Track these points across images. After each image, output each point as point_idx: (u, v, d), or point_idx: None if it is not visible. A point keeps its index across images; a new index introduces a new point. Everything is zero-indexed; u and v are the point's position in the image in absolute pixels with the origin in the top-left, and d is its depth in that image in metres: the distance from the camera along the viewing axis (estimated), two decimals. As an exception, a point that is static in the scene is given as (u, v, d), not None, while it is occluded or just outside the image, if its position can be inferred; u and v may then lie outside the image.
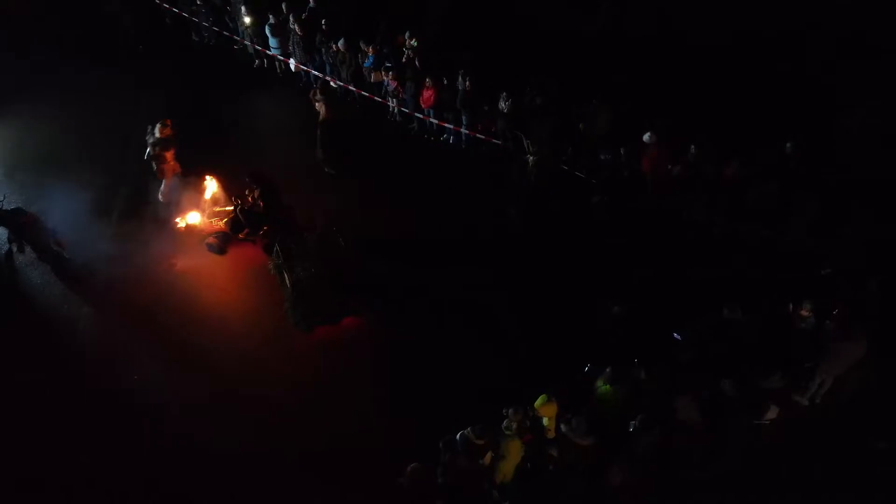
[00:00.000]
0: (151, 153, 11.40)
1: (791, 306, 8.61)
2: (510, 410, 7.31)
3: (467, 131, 13.07)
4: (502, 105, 12.15)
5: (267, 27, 14.68)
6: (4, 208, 11.04)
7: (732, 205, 10.79)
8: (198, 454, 8.47)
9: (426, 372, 9.25)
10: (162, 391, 9.23)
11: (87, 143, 13.61)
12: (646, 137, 11.26)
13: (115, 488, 8.15)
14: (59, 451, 8.56)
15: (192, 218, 11.54)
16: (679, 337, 8.61)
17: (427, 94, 12.91)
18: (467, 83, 12.37)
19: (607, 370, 7.84)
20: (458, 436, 7.25)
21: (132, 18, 16.42)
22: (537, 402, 7.43)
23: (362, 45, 13.60)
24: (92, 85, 15.07)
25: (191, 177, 11.71)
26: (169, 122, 11.57)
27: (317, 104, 12.26)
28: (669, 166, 11.21)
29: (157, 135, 11.45)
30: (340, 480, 8.04)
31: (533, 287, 10.45)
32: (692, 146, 10.89)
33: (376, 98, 14.10)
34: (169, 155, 11.47)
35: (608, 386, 7.80)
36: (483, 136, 12.93)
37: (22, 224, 10.89)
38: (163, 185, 11.66)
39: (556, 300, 10.19)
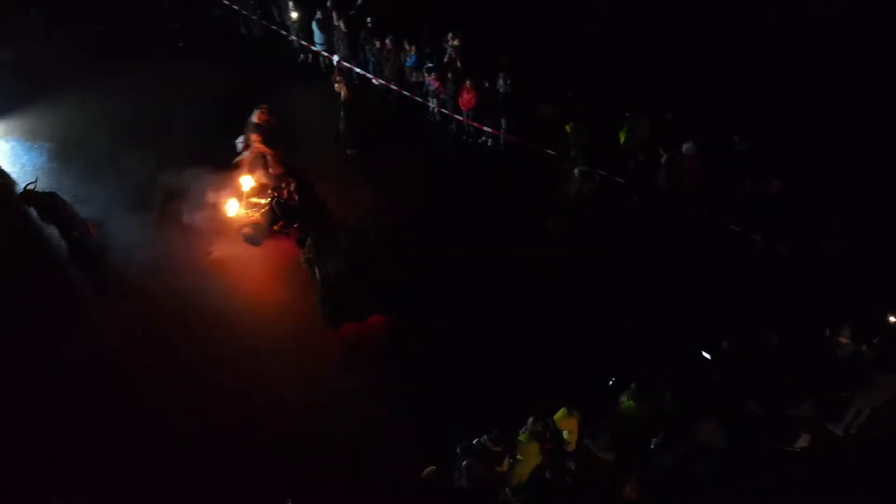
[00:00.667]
0: (244, 136, 11.88)
1: (828, 332, 8.32)
2: (530, 420, 7.26)
3: (505, 135, 12.96)
4: (541, 110, 12.01)
5: (313, 22, 14.84)
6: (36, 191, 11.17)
7: (771, 222, 10.47)
8: (215, 442, 8.63)
9: (448, 375, 9.22)
10: (187, 376, 9.42)
11: (135, 129, 13.98)
12: (685, 147, 11.02)
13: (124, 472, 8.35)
14: (85, 433, 8.81)
15: (230, 207, 11.73)
16: (708, 356, 8.40)
17: (467, 96, 12.86)
18: (508, 86, 12.29)
19: (632, 386, 7.71)
20: (474, 442, 7.22)
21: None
22: (557, 415, 7.35)
23: (405, 45, 13.62)
24: (143, 74, 15.45)
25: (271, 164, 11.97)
26: (265, 108, 12.09)
27: (336, 85, 12.75)
28: (708, 179, 10.92)
29: (255, 119, 11.95)
30: (355, 480, 8.07)
31: (562, 296, 10.34)
32: (734, 157, 10.64)
33: (416, 98, 14.11)
34: (256, 138, 11.85)
35: (631, 402, 7.67)
36: (521, 141, 12.80)
37: (49, 206, 10.94)
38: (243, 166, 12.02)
39: (585, 311, 10.07)
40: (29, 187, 10.95)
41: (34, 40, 16.30)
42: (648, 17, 14.27)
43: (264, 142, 11.87)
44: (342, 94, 12.82)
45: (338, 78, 13.14)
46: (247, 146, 11.94)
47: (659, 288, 10.32)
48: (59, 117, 14.44)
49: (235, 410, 8.98)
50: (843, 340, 8.19)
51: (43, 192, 11.07)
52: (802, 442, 8.14)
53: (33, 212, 11.24)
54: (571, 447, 7.51)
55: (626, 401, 7.72)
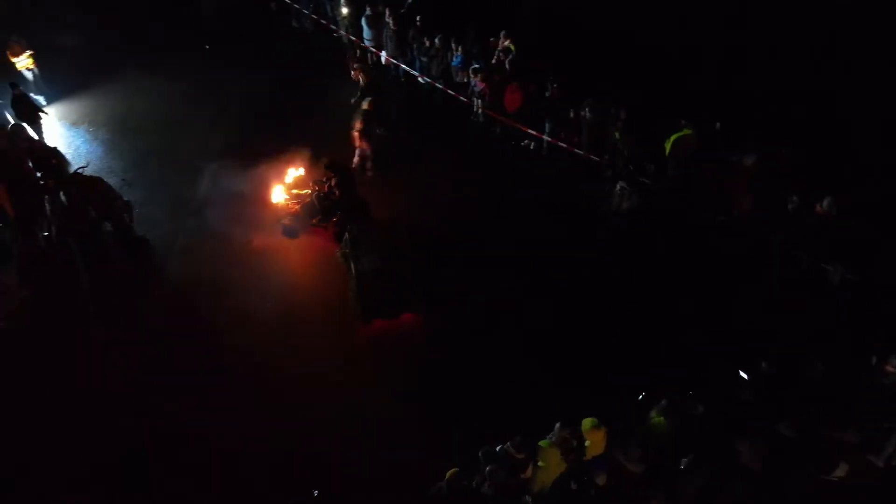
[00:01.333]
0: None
1: (875, 359, 7.99)
2: (557, 425, 7.18)
3: (549, 139, 12.84)
4: (586, 114, 11.86)
5: (363, 18, 14.96)
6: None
7: (819, 241, 10.13)
8: (239, 431, 8.69)
9: (476, 378, 9.14)
10: (217, 363, 9.56)
11: (185, 117, 14.38)
12: (745, 159, 10.72)
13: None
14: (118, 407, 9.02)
15: (275, 194, 11.90)
16: (745, 376, 8.15)
17: (512, 98, 12.78)
18: (554, 89, 12.17)
19: (662, 402, 7.53)
20: (497, 448, 7.15)
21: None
22: (585, 425, 7.22)
23: (452, 44, 13.62)
24: (195, 64, 15.92)
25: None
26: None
27: (353, 72, 13.05)
28: (756, 193, 10.63)
29: (365, 107, 12.32)
30: (375, 478, 8.05)
31: (598, 306, 10.15)
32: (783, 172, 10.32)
33: (461, 98, 14.09)
34: (358, 125, 12.20)
35: (661, 417, 7.49)
36: (565, 146, 12.66)
37: (94, 192, 10.98)
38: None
39: (620, 322, 9.89)
40: (79, 171, 11.20)
41: (93, 28, 16.83)
42: (708, 26, 13.95)
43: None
44: (361, 80, 13.08)
45: (354, 65, 13.28)
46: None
47: (697, 302, 10.08)
48: (113, 103, 14.85)
49: (261, 400, 9.07)
50: (891, 369, 7.85)
51: (91, 177, 11.29)
52: (840, 471, 7.83)
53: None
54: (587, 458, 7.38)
55: (655, 416, 7.55)
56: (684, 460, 7.02)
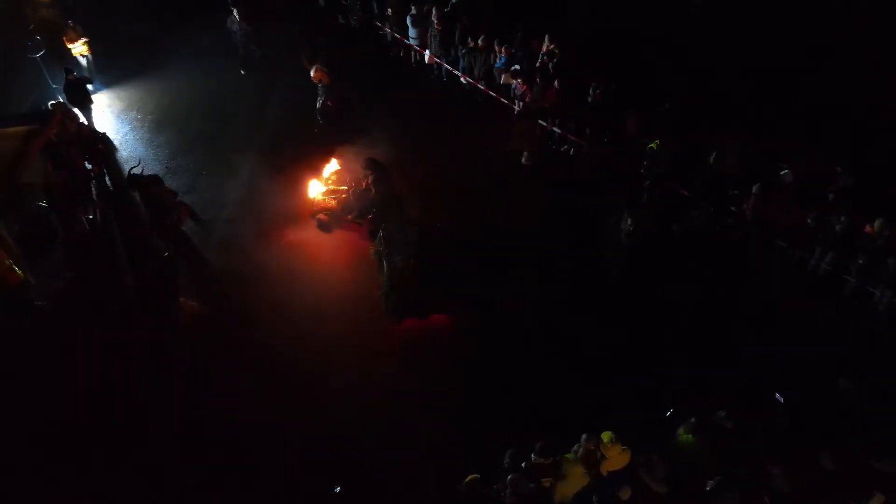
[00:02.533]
0: None
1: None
2: (584, 436, 7.08)
3: (588, 144, 12.65)
4: (628, 122, 11.67)
5: (408, 17, 14.98)
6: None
7: (867, 264, 9.78)
8: (261, 421, 8.83)
9: (503, 384, 9.10)
10: (245, 354, 9.69)
11: (229, 108, 14.63)
12: (782, 174, 10.42)
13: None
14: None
15: (312, 189, 12.01)
16: (781, 398, 7.90)
17: (553, 98, 12.63)
18: (596, 94, 11.99)
19: (692, 419, 7.35)
20: (523, 464, 7.08)
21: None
22: (605, 438, 7.09)
23: (496, 46, 13.53)
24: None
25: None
26: None
27: (314, 73, 13.10)
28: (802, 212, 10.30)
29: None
30: (396, 479, 8.06)
31: (633, 318, 9.96)
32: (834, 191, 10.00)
33: (503, 99, 14.00)
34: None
35: (689, 435, 7.31)
36: (604, 152, 12.46)
37: (154, 194, 10.81)
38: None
39: (655, 336, 9.70)
40: (134, 171, 10.91)
41: (149, 17, 17.19)
42: (766, 40, 13.59)
43: None
44: (322, 80, 13.13)
45: (315, 66, 13.20)
46: None
47: (735, 321, 9.84)
48: (161, 92, 15.18)
49: (285, 392, 9.16)
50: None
51: (147, 177, 11.08)
52: (875, 501, 7.53)
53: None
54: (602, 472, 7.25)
55: (683, 433, 7.37)
56: (711, 482, 6.83)
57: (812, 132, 11.63)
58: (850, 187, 10.19)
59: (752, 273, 10.59)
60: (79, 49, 14.80)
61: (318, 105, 13.46)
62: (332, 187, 11.91)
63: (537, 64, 13.20)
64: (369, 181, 11.10)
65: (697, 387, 8.64)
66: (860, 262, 9.83)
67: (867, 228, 9.71)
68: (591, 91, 12.09)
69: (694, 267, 10.64)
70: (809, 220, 10.27)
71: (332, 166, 12.00)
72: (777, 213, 10.64)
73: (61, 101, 12.45)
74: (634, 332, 9.77)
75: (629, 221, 10.51)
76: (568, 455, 7.09)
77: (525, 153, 12.93)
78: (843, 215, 9.79)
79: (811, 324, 9.68)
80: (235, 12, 14.76)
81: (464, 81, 14.65)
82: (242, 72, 15.63)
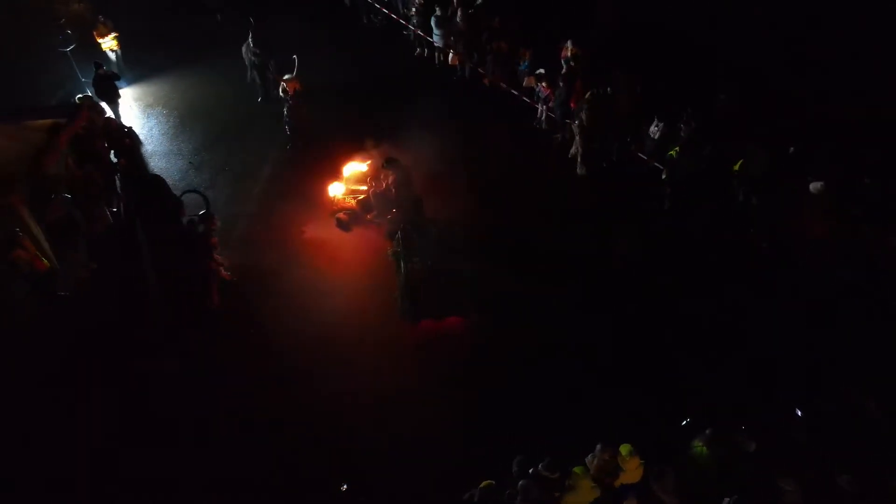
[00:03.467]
0: None
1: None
2: (599, 446, 7.01)
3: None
4: (653, 129, 11.54)
5: (433, 18, 14.97)
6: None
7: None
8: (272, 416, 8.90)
9: (517, 389, 9.06)
10: (259, 348, 9.80)
11: (254, 106, 14.80)
12: (813, 187, 10.22)
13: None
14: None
15: (333, 188, 12.06)
16: (800, 413, 7.77)
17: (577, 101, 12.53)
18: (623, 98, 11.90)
19: (707, 431, 7.24)
20: (530, 471, 7.05)
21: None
22: (623, 451, 7.02)
23: (521, 49, 13.48)
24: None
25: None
26: None
27: (286, 84, 12.97)
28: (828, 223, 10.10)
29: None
30: (404, 483, 8.07)
31: (653, 329, 9.84)
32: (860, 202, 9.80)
33: (526, 100, 13.94)
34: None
35: (704, 448, 7.21)
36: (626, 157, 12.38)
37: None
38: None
39: (674, 346, 9.57)
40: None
41: (173, 13, 17.43)
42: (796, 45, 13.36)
43: None
44: (295, 89, 13.03)
45: (286, 77, 13.17)
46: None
47: (756, 334, 9.66)
48: (187, 88, 15.40)
49: (299, 388, 9.23)
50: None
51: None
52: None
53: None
54: (617, 483, 7.18)
55: (698, 445, 7.27)
56: (727, 500, 6.73)
57: (841, 143, 11.41)
58: (878, 199, 9.97)
59: (775, 283, 10.40)
60: (108, 44, 15.06)
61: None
62: (352, 187, 11.95)
63: (563, 71, 13.08)
64: (389, 181, 11.12)
65: (714, 397, 8.51)
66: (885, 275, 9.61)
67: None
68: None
69: (715, 275, 10.50)
70: (834, 232, 10.05)
71: (353, 166, 12.04)
72: (803, 224, 10.45)
73: (89, 94, 12.62)
74: (652, 339, 9.67)
75: None
76: (577, 469, 7.03)
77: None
78: (869, 228, 9.57)
79: (834, 337, 9.49)
80: (251, 39, 14.29)
81: (487, 83, 14.62)
82: (260, 100, 14.95)
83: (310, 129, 13.39)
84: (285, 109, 13.14)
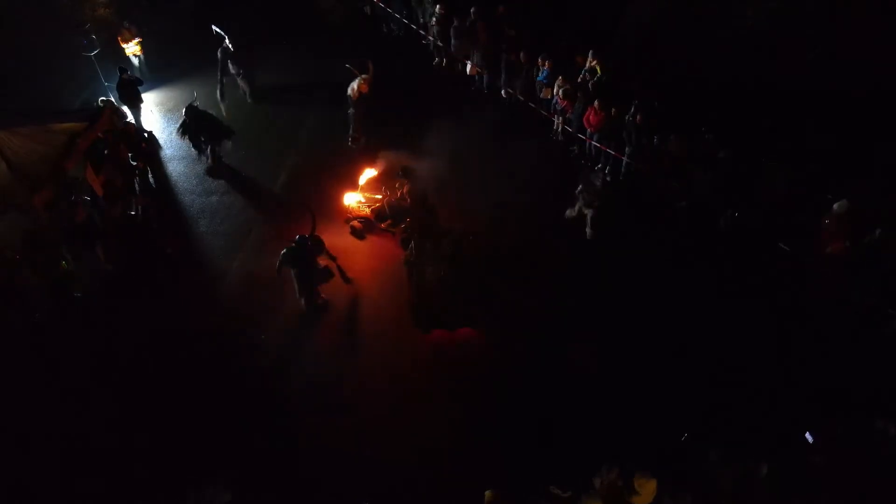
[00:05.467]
0: None
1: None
2: (604, 467, 6.93)
3: (626, 164, 12.49)
4: (668, 144, 11.47)
5: (452, 28, 15.00)
6: None
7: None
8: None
9: (526, 402, 9.03)
10: (270, 356, 9.91)
11: (271, 112, 14.89)
12: (837, 206, 10.07)
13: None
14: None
15: (348, 196, 12.10)
16: (811, 438, 7.63)
17: (594, 118, 12.49)
18: (638, 117, 11.81)
19: (715, 452, 7.13)
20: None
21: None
22: (637, 478, 6.89)
23: (539, 59, 13.46)
24: (282, 59, 16.40)
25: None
26: None
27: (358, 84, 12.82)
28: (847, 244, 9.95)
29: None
30: (412, 490, 8.07)
31: (666, 346, 9.69)
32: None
33: (543, 112, 13.92)
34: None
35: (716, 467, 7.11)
36: (643, 171, 12.28)
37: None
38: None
39: (687, 364, 9.43)
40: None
41: (187, 18, 17.49)
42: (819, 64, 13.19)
43: None
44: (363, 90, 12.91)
45: (359, 78, 13.03)
46: None
47: (773, 355, 9.54)
48: (207, 92, 15.41)
49: (307, 398, 9.33)
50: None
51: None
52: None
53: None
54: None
55: (710, 466, 7.16)
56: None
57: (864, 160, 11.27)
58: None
59: (792, 302, 10.26)
60: (132, 49, 15.25)
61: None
62: (367, 195, 12.00)
63: (578, 80, 13.07)
64: (404, 191, 11.15)
65: (726, 417, 8.40)
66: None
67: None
68: (631, 111, 11.88)
69: (732, 292, 10.39)
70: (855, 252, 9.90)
71: (369, 174, 12.09)
72: (826, 244, 10.31)
73: (110, 98, 12.80)
74: (668, 354, 9.56)
75: None
76: (589, 501, 6.95)
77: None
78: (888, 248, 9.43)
79: (851, 359, 9.33)
80: (227, 41, 14.01)
81: (504, 94, 14.62)
82: (222, 101, 14.47)
83: (370, 127, 13.48)
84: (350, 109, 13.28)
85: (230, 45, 13.97)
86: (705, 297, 10.31)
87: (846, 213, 9.84)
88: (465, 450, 8.50)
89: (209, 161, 13.16)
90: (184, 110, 12.80)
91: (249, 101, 15.04)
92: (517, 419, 8.83)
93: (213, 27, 14.32)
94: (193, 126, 12.75)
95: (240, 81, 14.77)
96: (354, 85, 12.97)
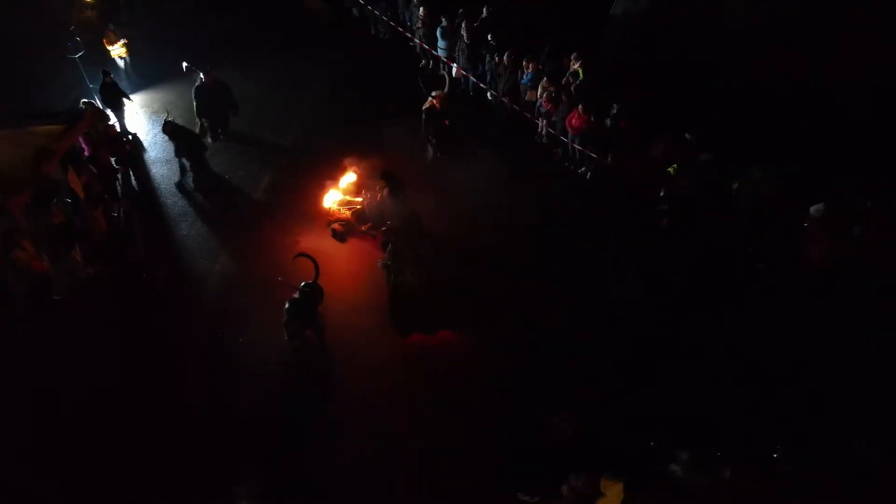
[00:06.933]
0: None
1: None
2: (571, 475, 6.91)
3: (608, 166, 12.47)
4: (650, 147, 11.46)
5: (438, 29, 15.00)
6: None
7: None
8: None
9: (502, 406, 8.99)
10: (248, 357, 9.88)
11: (258, 114, 14.81)
12: (813, 210, 10.05)
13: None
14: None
15: (328, 198, 12.09)
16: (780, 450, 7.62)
17: (577, 121, 12.48)
18: (621, 120, 11.80)
19: (683, 455, 7.11)
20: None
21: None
22: (603, 481, 6.88)
23: (524, 62, 13.45)
24: (271, 62, 16.45)
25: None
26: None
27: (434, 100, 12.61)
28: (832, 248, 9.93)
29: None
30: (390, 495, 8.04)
31: (644, 351, 9.65)
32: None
33: (526, 114, 13.91)
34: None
35: (682, 469, 7.09)
36: (623, 175, 12.26)
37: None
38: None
39: (666, 371, 9.36)
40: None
41: (186, 18, 17.54)
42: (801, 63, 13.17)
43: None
44: (436, 104, 12.77)
45: (434, 92, 12.89)
46: None
47: (750, 363, 9.45)
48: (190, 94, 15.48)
49: (287, 400, 9.29)
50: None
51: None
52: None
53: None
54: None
55: (676, 468, 7.15)
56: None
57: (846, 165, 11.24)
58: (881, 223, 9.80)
59: (773, 306, 10.23)
60: (117, 51, 15.24)
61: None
62: (347, 198, 11.98)
63: (562, 82, 13.05)
64: (384, 193, 11.13)
65: (701, 423, 8.37)
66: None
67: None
68: (611, 114, 11.88)
69: (711, 295, 10.36)
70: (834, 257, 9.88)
71: (350, 177, 12.07)
72: (803, 248, 10.30)
73: (92, 101, 12.77)
74: (642, 356, 9.54)
75: None
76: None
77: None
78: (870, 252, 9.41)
79: (831, 366, 9.30)
80: (201, 76, 13.14)
81: (489, 96, 14.61)
82: (210, 141, 13.65)
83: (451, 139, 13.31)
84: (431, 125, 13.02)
85: (203, 80, 13.10)
86: (683, 301, 10.28)
87: (823, 217, 9.82)
88: (442, 453, 8.47)
89: (194, 177, 12.91)
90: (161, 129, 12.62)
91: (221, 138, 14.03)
92: (496, 422, 8.79)
93: (184, 63, 13.95)
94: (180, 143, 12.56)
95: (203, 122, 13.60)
96: (427, 102, 12.82)
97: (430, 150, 13.37)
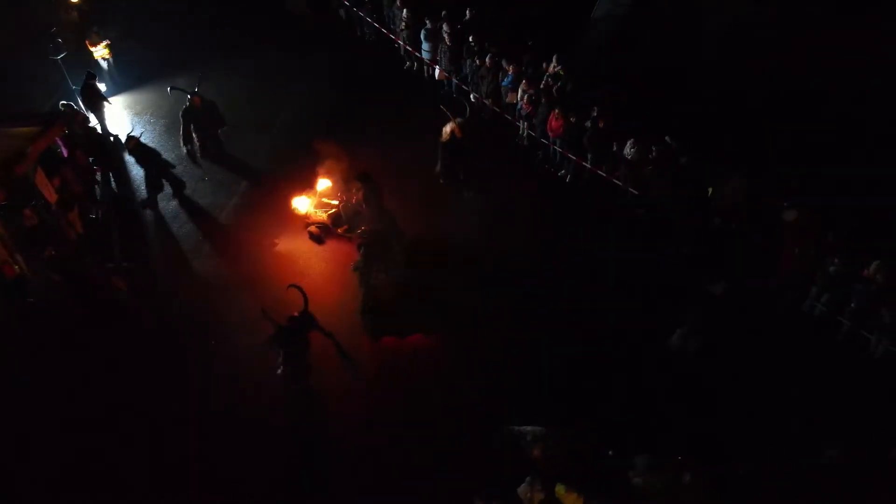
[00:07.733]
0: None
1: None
2: (528, 479, 6.88)
3: (589, 170, 12.45)
4: (627, 151, 11.44)
5: (422, 31, 14.99)
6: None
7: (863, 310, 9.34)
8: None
9: (473, 412, 8.91)
10: (221, 361, 9.87)
11: (242, 114, 14.77)
12: (785, 215, 10.03)
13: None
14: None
15: (301, 203, 12.08)
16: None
17: (556, 124, 12.47)
18: (599, 122, 11.78)
19: (641, 460, 7.08)
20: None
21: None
22: (558, 489, 6.85)
23: (504, 64, 13.43)
24: (257, 62, 16.49)
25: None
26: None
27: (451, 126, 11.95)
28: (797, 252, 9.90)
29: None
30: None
31: (618, 358, 9.57)
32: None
33: (507, 117, 13.90)
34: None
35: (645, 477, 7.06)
36: (602, 177, 12.25)
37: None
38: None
39: (644, 379, 9.29)
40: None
41: (176, 22, 17.61)
42: (776, 69, 13.16)
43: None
44: (454, 132, 11.93)
45: (457, 120, 11.98)
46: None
47: (718, 366, 9.42)
48: (175, 97, 15.42)
49: (261, 403, 9.27)
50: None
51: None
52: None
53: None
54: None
55: (638, 475, 7.12)
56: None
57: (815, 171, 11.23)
58: (850, 228, 9.77)
59: (744, 311, 10.19)
60: (100, 52, 15.25)
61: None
62: (324, 201, 11.97)
63: (541, 85, 13.03)
64: (360, 196, 11.11)
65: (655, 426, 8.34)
66: (853, 306, 9.39)
67: (865, 272, 9.27)
68: (591, 117, 11.86)
69: (686, 301, 10.33)
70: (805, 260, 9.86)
71: (326, 180, 12.05)
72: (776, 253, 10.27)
73: (71, 103, 12.77)
74: (616, 360, 9.50)
75: None
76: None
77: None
78: (838, 257, 9.38)
79: (801, 369, 9.27)
80: (189, 97, 12.99)
81: (472, 98, 14.59)
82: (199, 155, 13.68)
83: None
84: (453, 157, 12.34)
85: (191, 102, 12.94)
86: (661, 303, 10.23)
87: (795, 222, 9.80)
88: (412, 457, 8.46)
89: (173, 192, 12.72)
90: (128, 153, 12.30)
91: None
92: (466, 426, 8.74)
93: (169, 88, 13.78)
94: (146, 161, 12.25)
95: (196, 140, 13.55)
96: (447, 128, 11.97)
97: (452, 186, 12.49)
